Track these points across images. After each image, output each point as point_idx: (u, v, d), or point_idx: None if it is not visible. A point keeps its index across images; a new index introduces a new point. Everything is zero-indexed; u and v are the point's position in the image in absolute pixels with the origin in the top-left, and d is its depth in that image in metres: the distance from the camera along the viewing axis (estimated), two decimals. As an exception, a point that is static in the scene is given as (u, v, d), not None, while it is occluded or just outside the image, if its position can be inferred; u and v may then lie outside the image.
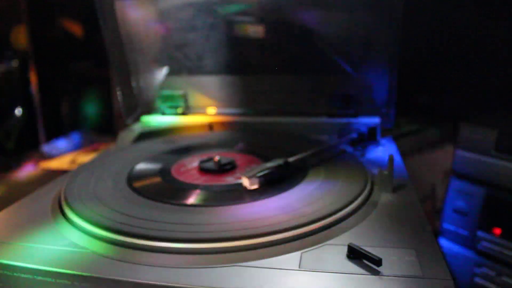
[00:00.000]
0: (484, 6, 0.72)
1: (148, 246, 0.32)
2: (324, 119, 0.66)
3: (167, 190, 0.43)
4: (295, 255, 0.31)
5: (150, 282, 0.29)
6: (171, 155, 0.55)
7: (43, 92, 1.11)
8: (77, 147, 1.04)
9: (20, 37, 1.07)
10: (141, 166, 0.50)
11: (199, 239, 0.32)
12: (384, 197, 0.41)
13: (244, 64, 0.71)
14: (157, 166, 0.50)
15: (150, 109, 0.74)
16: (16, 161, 0.97)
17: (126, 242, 0.33)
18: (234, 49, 0.70)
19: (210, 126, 0.69)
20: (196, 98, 0.72)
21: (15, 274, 0.32)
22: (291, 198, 0.39)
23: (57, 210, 0.40)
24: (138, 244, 0.33)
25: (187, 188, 0.43)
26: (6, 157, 1.02)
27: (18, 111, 1.06)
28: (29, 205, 0.42)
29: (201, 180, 0.45)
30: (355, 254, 0.30)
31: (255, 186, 0.42)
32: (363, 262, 0.30)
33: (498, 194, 0.53)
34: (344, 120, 0.64)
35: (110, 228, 0.34)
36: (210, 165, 0.48)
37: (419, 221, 0.36)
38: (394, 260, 0.30)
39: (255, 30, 0.68)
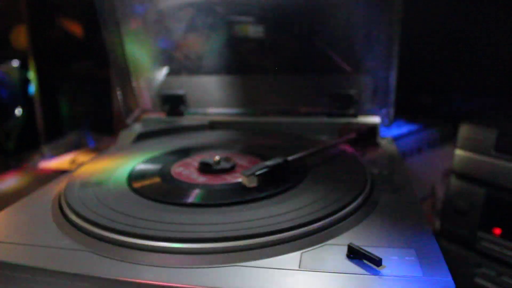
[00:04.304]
0: (484, 5, 0.72)
1: (148, 246, 0.32)
2: (324, 119, 0.66)
3: (167, 190, 0.43)
4: (295, 255, 0.31)
5: (150, 282, 0.29)
6: (171, 155, 0.55)
7: (43, 92, 1.11)
8: (77, 147, 1.04)
9: (20, 37, 1.07)
10: (141, 166, 0.50)
11: (199, 239, 0.32)
12: (384, 197, 0.41)
13: (244, 64, 0.71)
14: (157, 166, 0.50)
15: (150, 109, 0.74)
16: (16, 161, 0.97)
17: (126, 242, 0.33)
18: (234, 49, 0.70)
19: (210, 126, 0.69)
20: (196, 98, 0.72)
21: (15, 274, 0.32)
22: (291, 198, 0.39)
23: (57, 210, 0.40)
24: (138, 244, 0.33)
25: (187, 188, 0.43)
26: (6, 157, 1.02)
27: (18, 111, 1.06)
28: (29, 205, 0.42)
29: (201, 180, 0.45)
30: (355, 254, 0.30)
31: (254, 184, 0.42)
32: (363, 262, 0.30)
33: (498, 194, 0.53)
34: (344, 120, 0.63)
35: (110, 228, 0.34)
36: (210, 165, 0.48)
37: (419, 221, 0.36)
38: (394, 260, 0.30)
39: (255, 30, 0.68)
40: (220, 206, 0.38)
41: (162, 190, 0.43)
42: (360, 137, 0.57)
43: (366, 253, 0.30)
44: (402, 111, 0.67)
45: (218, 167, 0.47)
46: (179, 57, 0.72)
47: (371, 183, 0.43)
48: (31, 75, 1.08)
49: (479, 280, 0.56)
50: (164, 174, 0.47)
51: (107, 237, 0.34)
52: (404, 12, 0.56)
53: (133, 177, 0.47)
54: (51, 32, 1.11)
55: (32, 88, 1.09)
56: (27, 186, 0.82)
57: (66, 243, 0.34)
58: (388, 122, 0.63)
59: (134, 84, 0.73)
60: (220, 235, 0.32)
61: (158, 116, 0.73)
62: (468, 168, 0.57)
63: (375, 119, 0.64)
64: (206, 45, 0.70)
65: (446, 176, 0.74)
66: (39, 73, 1.09)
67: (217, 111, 0.72)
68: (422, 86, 0.84)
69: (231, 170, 0.47)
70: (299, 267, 0.30)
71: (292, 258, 0.31)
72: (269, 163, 0.44)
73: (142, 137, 0.65)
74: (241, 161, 0.50)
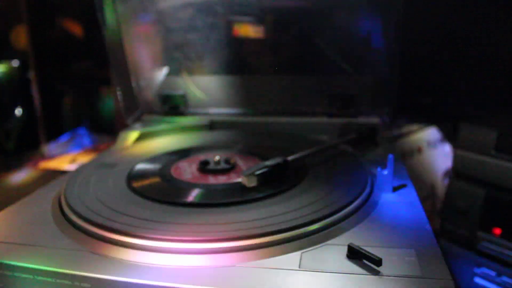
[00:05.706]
0: (484, 6, 0.72)
1: (148, 246, 0.32)
2: (324, 119, 0.66)
3: (167, 190, 0.43)
4: (295, 255, 0.31)
5: (150, 282, 0.29)
6: (171, 155, 0.55)
7: (43, 92, 1.11)
8: (77, 147, 1.04)
9: (20, 37, 1.07)
10: (141, 166, 0.50)
11: (199, 239, 0.32)
12: (384, 197, 0.41)
13: (244, 64, 0.71)
14: (157, 166, 0.50)
15: (150, 109, 0.74)
16: (16, 161, 0.97)
17: (126, 242, 0.33)
18: (234, 49, 0.70)
19: (211, 126, 0.69)
20: (196, 98, 0.72)
21: (15, 274, 0.32)
22: (291, 198, 0.39)
23: (57, 210, 0.40)
24: (138, 244, 0.33)
25: (187, 188, 0.43)
26: (6, 157, 1.02)
27: (18, 111, 1.06)
28: (29, 205, 0.42)
29: (201, 180, 0.45)
30: (355, 254, 0.30)
31: (253, 184, 0.42)
32: (363, 262, 0.30)
33: (498, 194, 0.53)
34: (344, 120, 0.63)
35: (110, 228, 0.34)
36: (210, 165, 0.48)
37: (419, 221, 0.36)
38: (394, 260, 0.30)
39: (255, 30, 0.68)
40: (220, 206, 0.38)
41: (162, 190, 0.43)
42: (360, 137, 0.57)
43: (366, 253, 0.29)
44: (402, 111, 0.67)
45: (218, 167, 0.47)
46: (179, 57, 0.72)
47: (371, 183, 0.43)
48: (31, 75, 1.08)
49: (479, 280, 0.56)
50: (164, 174, 0.47)
51: (107, 237, 0.34)
52: (404, 13, 0.56)
53: (133, 177, 0.47)
54: (51, 32, 1.11)
55: (32, 88, 1.09)
56: (27, 186, 0.82)
57: (66, 243, 0.34)
58: (388, 122, 0.63)
59: (134, 84, 0.73)
60: (220, 235, 0.32)
61: (158, 116, 0.73)
62: (468, 168, 0.57)
63: (375, 119, 0.63)
64: (206, 45, 0.70)
65: (446, 176, 0.74)
66: (39, 73, 1.09)
67: (217, 111, 0.72)
68: (422, 86, 0.84)
69: (231, 170, 0.47)
70: (299, 267, 0.30)
71: (292, 258, 0.31)
72: (269, 163, 0.44)
73: (142, 137, 0.65)
74: (241, 161, 0.50)
